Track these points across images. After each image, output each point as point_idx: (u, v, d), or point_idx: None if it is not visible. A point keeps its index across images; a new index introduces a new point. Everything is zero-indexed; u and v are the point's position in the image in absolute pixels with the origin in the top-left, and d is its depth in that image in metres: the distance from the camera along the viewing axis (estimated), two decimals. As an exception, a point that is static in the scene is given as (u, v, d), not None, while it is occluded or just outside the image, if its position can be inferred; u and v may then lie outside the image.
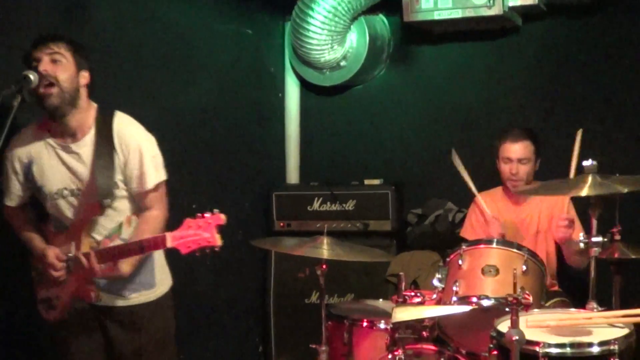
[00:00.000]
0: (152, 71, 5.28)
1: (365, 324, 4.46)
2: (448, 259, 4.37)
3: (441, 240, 5.91)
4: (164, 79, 5.39)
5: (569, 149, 5.51)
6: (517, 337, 3.19)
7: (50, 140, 3.85)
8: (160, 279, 4.17)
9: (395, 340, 4.11)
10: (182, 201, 5.36)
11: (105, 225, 3.91)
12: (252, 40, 6.40)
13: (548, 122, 5.97)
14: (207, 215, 3.68)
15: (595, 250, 4.06)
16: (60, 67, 3.72)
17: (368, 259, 4.87)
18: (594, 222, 4.10)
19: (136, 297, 4.05)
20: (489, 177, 5.45)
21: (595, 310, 3.98)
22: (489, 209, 5.20)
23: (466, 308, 3.83)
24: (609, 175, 4.08)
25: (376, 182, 6.26)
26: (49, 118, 3.79)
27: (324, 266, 4.39)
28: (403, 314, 3.71)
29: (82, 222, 3.84)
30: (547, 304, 4.45)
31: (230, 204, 5.95)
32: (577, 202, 4.97)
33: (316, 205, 6.28)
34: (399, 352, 4.02)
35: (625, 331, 3.49)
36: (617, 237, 4.25)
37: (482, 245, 4.31)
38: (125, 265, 3.84)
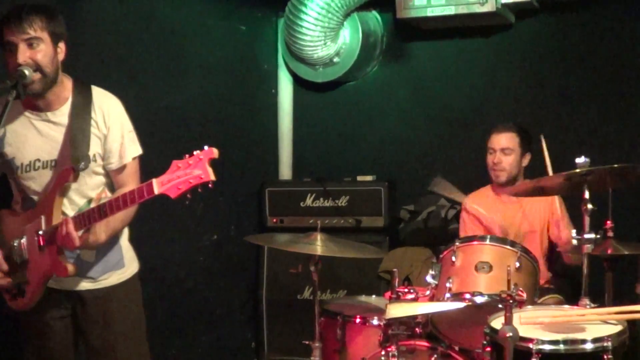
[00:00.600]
0: (145, 66, 5.27)
1: (358, 320, 4.45)
2: (441, 256, 4.37)
3: (434, 237, 5.92)
4: (157, 74, 5.38)
5: (562, 145, 5.55)
6: (510, 334, 3.21)
7: (25, 112, 3.72)
8: (129, 259, 3.98)
9: (389, 336, 4.11)
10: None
11: (75, 200, 3.76)
12: (245, 36, 6.39)
13: (540, 118, 5.97)
14: (196, 152, 3.43)
15: (587, 247, 4.09)
16: (39, 52, 3.56)
17: (361, 256, 4.86)
18: (587, 219, 4.13)
19: (106, 279, 3.88)
20: (480, 174, 5.46)
21: (588, 306, 4.00)
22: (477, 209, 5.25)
23: (460, 305, 3.84)
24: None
25: (369, 178, 6.26)
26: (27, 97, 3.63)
27: (318, 262, 4.38)
28: (397, 311, 3.72)
29: (54, 191, 3.65)
30: (540, 301, 4.47)
31: (223, 199, 5.96)
32: (570, 200, 4.98)
33: (309, 201, 6.28)
34: (392, 349, 4.02)
35: (619, 328, 3.50)
36: (610, 233, 4.24)
37: (475, 242, 4.32)
38: (101, 231, 3.65)
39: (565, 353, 3.37)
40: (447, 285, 4.15)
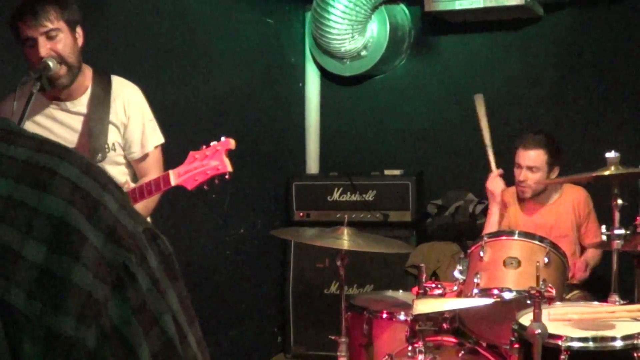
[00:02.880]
0: (172, 59, 5.27)
1: (385, 315, 4.41)
2: (469, 251, 4.32)
3: (461, 232, 5.90)
4: (184, 66, 5.38)
5: (591, 140, 5.49)
6: (539, 331, 3.17)
7: (45, 101, 3.66)
8: None
9: (415, 332, 4.07)
10: (200, 190, 5.35)
11: None
12: (273, 30, 6.39)
13: (569, 112, 5.93)
14: (213, 143, 3.42)
15: (617, 243, 4.04)
16: (59, 43, 3.47)
17: (387, 250, 4.83)
18: (617, 215, 4.07)
19: None
20: (509, 170, 5.41)
21: (617, 303, 3.95)
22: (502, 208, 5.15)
23: (488, 300, 3.80)
24: (633, 168, 4.07)
25: (396, 172, 6.24)
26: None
27: (345, 257, 4.36)
28: (424, 306, 3.68)
29: None
30: (567, 297, 4.43)
31: (249, 193, 5.96)
32: (599, 195, 4.91)
33: (336, 195, 6.26)
34: (419, 344, 3.98)
35: (649, 325, 3.46)
36: (640, 229, 4.19)
37: (503, 237, 4.27)
38: None
39: (595, 350, 3.32)
40: (475, 280, 4.10)
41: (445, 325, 4.21)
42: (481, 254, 4.19)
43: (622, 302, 3.98)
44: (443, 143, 6.45)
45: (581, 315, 3.59)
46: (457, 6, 5.83)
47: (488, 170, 6.02)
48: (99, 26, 4.02)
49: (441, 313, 4.08)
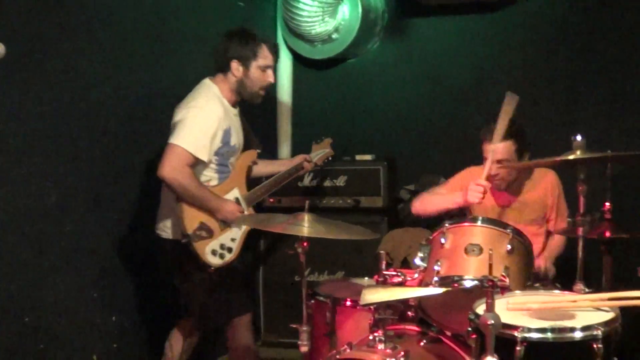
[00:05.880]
0: (139, 41, 5.19)
1: (348, 303, 4.32)
2: (431, 237, 4.19)
3: (434, 217, 5.76)
4: (152, 49, 5.30)
5: (562, 124, 5.39)
6: (492, 321, 3.04)
7: (231, 109, 4.94)
8: None
9: (378, 320, 3.97)
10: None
11: None
12: (244, 13, 6.28)
13: (542, 96, 5.85)
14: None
15: (583, 229, 3.94)
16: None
17: (349, 237, 4.65)
18: (582, 200, 3.97)
19: None
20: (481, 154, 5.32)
21: (582, 292, 3.85)
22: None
23: (438, 290, 3.60)
24: (599, 152, 3.97)
25: (368, 157, 6.14)
26: (244, 98, 4.97)
27: (305, 243, 4.22)
28: (372, 296, 3.56)
29: (244, 167, 5.06)
30: (536, 285, 4.32)
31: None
32: (566, 181, 4.82)
33: (306, 181, 6.17)
34: (379, 333, 3.87)
35: (611, 315, 3.33)
36: (608, 215, 4.08)
37: (466, 224, 4.13)
38: None
39: (553, 341, 3.19)
40: (435, 268, 3.96)
41: (409, 314, 4.12)
42: (442, 240, 4.06)
43: (587, 290, 3.88)
44: (416, 127, 6.37)
45: (541, 305, 3.47)
46: (431, -12, 5.75)
47: (462, 154, 5.94)
48: (62, 12, 3.92)
49: (404, 301, 3.98)
